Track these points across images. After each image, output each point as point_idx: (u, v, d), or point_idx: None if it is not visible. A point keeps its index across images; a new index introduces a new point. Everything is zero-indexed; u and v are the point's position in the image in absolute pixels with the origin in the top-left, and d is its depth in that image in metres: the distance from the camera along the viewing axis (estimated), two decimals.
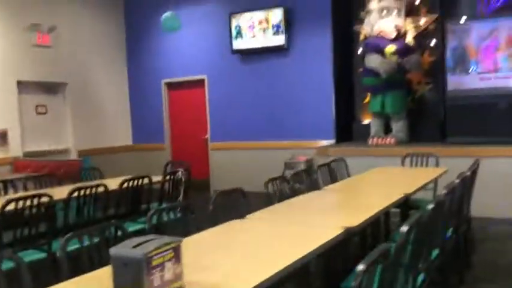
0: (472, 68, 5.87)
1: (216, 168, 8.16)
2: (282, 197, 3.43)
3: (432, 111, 6.61)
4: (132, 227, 3.94)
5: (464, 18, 6.05)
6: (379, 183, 4.06)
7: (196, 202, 3.11)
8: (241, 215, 2.70)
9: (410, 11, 6.64)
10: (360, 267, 1.37)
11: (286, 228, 2.47)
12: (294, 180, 3.86)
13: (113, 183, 4.21)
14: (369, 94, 6.79)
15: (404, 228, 1.79)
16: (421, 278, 2.36)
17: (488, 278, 3.58)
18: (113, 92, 8.73)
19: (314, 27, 7.16)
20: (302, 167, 6.79)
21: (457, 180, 3.15)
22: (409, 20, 6.64)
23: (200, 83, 8.29)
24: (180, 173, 4.55)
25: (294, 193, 3.54)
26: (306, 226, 2.47)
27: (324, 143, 7.00)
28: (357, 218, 2.46)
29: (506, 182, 5.12)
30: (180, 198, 4.50)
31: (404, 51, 6.31)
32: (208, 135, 8.30)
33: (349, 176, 4.65)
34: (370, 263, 1.42)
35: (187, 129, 8.58)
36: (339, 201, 3.34)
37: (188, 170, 4.89)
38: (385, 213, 3.86)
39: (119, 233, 2.30)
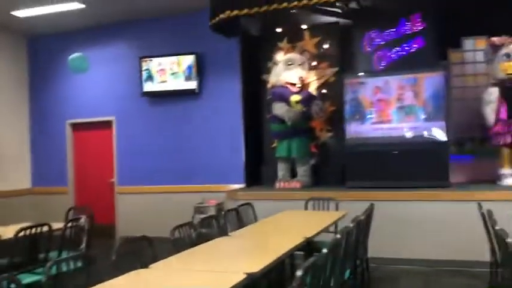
0: (366, 118, 6.40)
1: (123, 213, 7.91)
2: (188, 243, 3.43)
3: (333, 157, 7.05)
4: (28, 279, 3.70)
5: (360, 73, 6.64)
6: (283, 228, 4.22)
7: (99, 250, 3.02)
8: (145, 264, 2.67)
9: (314, 64, 7.15)
10: None
11: (189, 276, 2.49)
12: (202, 226, 3.90)
13: (8, 231, 3.94)
14: (276, 139, 7.08)
15: (298, 273, 1.91)
16: None
17: None
18: (10, 132, 8.21)
19: (225, 73, 7.44)
20: (212, 211, 6.85)
21: (352, 224, 3.39)
22: (312, 72, 7.13)
23: (107, 124, 8.12)
24: (83, 219, 4.37)
25: (201, 239, 3.57)
26: (209, 273, 2.51)
27: (234, 186, 7.13)
28: (259, 263, 2.55)
29: (400, 224, 5.54)
30: (83, 246, 4.31)
31: (308, 100, 6.73)
32: (114, 179, 8.06)
33: (256, 220, 4.77)
34: None
35: (92, 172, 8.28)
36: (244, 246, 3.42)
37: (92, 216, 4.71)
38: (290, 256, 4.01)
39: (12, 286, 2.17)
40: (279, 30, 7.35)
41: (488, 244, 3.91)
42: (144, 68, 7.75)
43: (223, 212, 4.52)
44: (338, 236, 2.86)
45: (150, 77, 7.73)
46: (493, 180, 6.17)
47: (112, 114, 8.08)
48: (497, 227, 3.13)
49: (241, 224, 4.46)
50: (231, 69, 7.35)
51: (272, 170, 7.14)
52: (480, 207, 4.09)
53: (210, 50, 7.53)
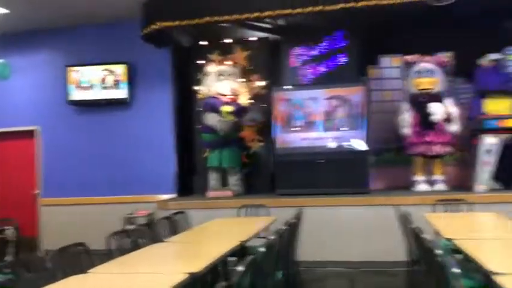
0: (294, 129, 6.71)
1: (47, 226, 7.57)
2: (123, 251, 3.44)
3: (264, 166, 7.30)
4: None
5: (288, 86, 6.96)
6: (217, 233, 4.34)
7: (28, 261, 2.95)
8: (82, 270, 2.67)
9: (245, 77, 7.37)
10: None
11: (131, 279, 2.54)
12: (136, 235, 3.91)
13: None
14: (207, 149, 7.18)
15: (240, 268, 2.05)
16: None
17: None
18: None
19: (156, 83, 7.46)
20: (143, 221, 6.77)
21: (285, 227, 3.59)
22: (243, 84, 7.35)
23: (30, 134, 7.77)
24: (9, 230, 4.20)
25: (136, 247, 3.59)
26: (151, 275, 2.57)
27: (165, 196, 7.12)
28: (199, 264, 2.66)
29: (326, 228, 5.86)
30: (10, 258, 4.13)
31: (239, 111, 6.93)
32: (38, 190, 7.71)
33: (189, 227, 4.84)
34: None
35: (13, 183, 7.85)
36: (182, 250, 3.49)
37: (17, 227, 4.53)
38: (223, 262, 4.13)
39: None
40: (210, 42, 7.50)
41: (405, 244, 4.29)
42: (71, 76, 7.54)
43: (156, 221, 4.54)
44: (272, 237, 3.03)
45: (77, 85, 7.54)
46: (407, 186, 6.71)
47: (35, 124, 7.75)
48: (417, 229, 3.43)
49: (174, 232, 4.51)
50: (163, 80, 7.38)
51: (203, 179, 7.21)
52: (398, 210, 4.48)
53: (141, 60, 7.50)
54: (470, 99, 6.89)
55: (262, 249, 2.58)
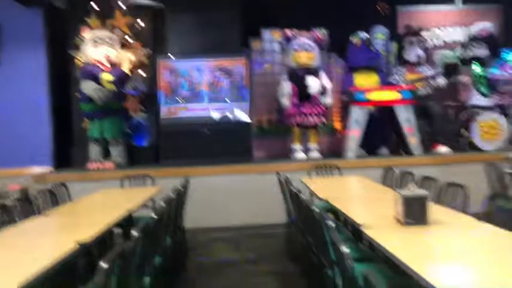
0: (179, 99, 6.70)
1: None
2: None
3: (148, 138, 7.18)
4: None
5: (172, 56, 6.88)
6: (102, 204, 4.23)
7: None
8: None
9: (126, 44, 7.10)
10: (102, 264, 1.58)
11: (20, 250, 2.41)
12: (11, 210, 3.66)
13: None
14: (87, 119, 6.85)
15: (134, 233, 2.08)
16: (147, 280, 2.69)
17: (197, 277, 4.21)
18: None
19: (28, 47, 6.83)
20: (15, 196, 6.28)
21: (173, 195, 3.66)
22: (124, 51, 7.07)
23: None
24: None
25: (13, 222, 3.37)
26: (40, 247, 2.47)
27: (41, 169, 6.66)
28: (87, 234, 2.61)
29: (211, 196, 6.03)
30: None
31: (120, 80, 6.68)
32: None
33: (71, 201, 4.64)
34: (110, 260, 1.64)
35: None
36: (66, 222, 3.37)
37: None
38: (109, 233, 4.06)
39: None
40: (87, 5, 7.04)
41: (285, 207, 4.64)
42: None
43: (33, 195, 4.26)
44: (162, 203, 3.08)
45: None
46: (287, 155, 7.15)
47: None
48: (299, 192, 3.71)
49: (55, 205, 4.30)
50: (35, 43, 6.80)
51: (83, 151, 6.87)
52: (279, 175, 4.80)
53: (9, 19, 6.78)
54: (342, 73, 7.52)
55: (154, 216, 2.63)
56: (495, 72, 6.71)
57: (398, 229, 2.54)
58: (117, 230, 3.89)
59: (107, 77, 6.51)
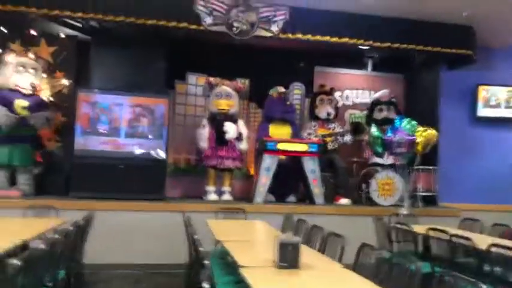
0: (96, 132, 6.72)
1: None
2: None
3: (60, 167, 7.08)
4: None
5: (94, 89, 6.94)
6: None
7: None
8: None
9: (48, 72, 7.09)
10: None
11: None
12: None
13: None
14: None
15: (14, 261, 2.17)
16: None
17: None
18: None
19: None
20: None
21: (71, 228, 3.71)
22: (45, 79, 7.05)
23: None
24: None
25: None
26: None
27: None
28: None
29: (117, 232, 6.02)
30: None
31: (36, 107, 6.62)
32: None
33: None
34: None
35: None
36: None
37: None
38: (2, 264, 3.97)
39: None
40: (12, 30, 7.00)
41: (188, 247, 4.78)
42: None
43: None
44: (56, 236, 3.15)
45: None
46: (200, 195, 7.34)
47: None
48: (195, 234, 3.89)
49: None
50: None
51: None
52: (183, 215, 4.97)
53: None
54: (259, 122, 7.96)
55: (42, 246, 2.70)
56: (390, 134, 7.42)
57: (272, 271, 2.82)
58: (13, 260, 3.84)
59: (21, 103, 6.46)
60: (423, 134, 7.10)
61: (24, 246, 3.63)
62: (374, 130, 7.58)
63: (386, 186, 7.23)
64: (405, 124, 7.35)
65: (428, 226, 4.79)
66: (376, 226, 5.41)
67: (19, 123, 6.43)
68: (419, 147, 7.05)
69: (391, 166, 7.47)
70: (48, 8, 6.08)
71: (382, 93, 8.22)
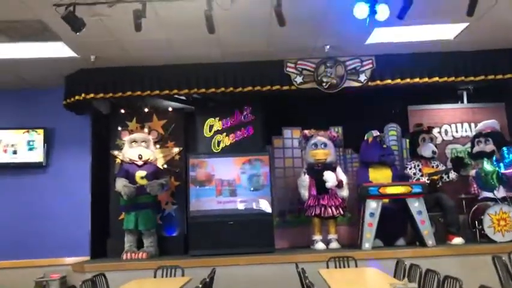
0: (207, 193, 7.32)
1: None
2: None
3: (177, 228, 7.77)
4: None
5: (202, 153, 7.63)
6: None
7: None
8: None
9: (161, 143, 7.96)
10: None
11: None
12: None
13: None
14: (123, 212, 7.50)
15: None
16: None
17: None
18: None
19: (75, 148, 7.72)
20: (55, 285, 6.82)
21: (200, 286, 4.13)
22: (158, 150, 7.91)
23: None
24: None
25: None
26: None
27: (78, 259, 7.24)
28: None
29: (237, 285, 6.38)
30: None
31: (154, 175, 7.42)
32: None
33: None
34: None
35: None
36: None
37: None
38: None
39: None
40: (128, 110, 8.02)
41: None
42: None
43: (70, 284, 4.74)
44: None
45: None
46: (307, 245, 7.55)
47: None
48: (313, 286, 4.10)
49: None
50: (82, 144, 7.70)
51: (117, 242, 7.40)
52: (297, 266, 5.22)
53: (61, 125, 7.76)
54: (357, 168, 8.09)
55: None
56: (502, 167, 7.14)
57: None
58: None
59: (140, 173, 7.29)
60: None
61: None
62: (486, 165, 7.33)
63: (502, 221, 6.88)
64: None
65: None
66: (496, 265, 5.19)
67: (139, 192, 7.20)
68: None
69: (504, 199, 7.12)
70: (160, 90, 6.95)
71: (483, 124, 8.00)
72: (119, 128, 7.87)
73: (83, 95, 6.86)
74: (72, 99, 6.97)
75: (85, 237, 7.47)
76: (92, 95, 6.88)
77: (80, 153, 7.70)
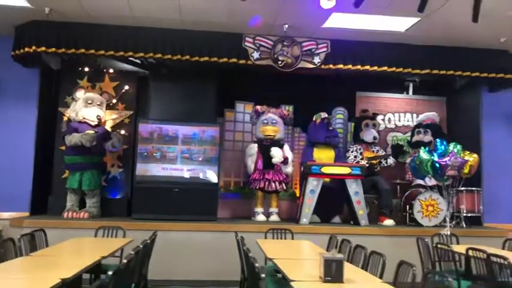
0: (154, 158, 7.37)
1: None
2: None
3: (122, 192, 7.79)
4: None
5: (152, 119, 7.63)
6: (79, 250, 4.78)
7: None
8: None
9: (111, 105, 7.86)
10: None
11: (5, 284, 2.97)
12: None
13: None
14: (67, 171, 7.41)
15: (109, 273, 2.70)
16: None
17: None
18: None
19: (20, 100, 7.49)
20: None
21: (141, 246, 4.26)
22: (108, 112, 7.82)
23: None
24: None
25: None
26: (27, 280, 3.02)
27: (17, 214, 7.13)
28: (68, 273, 3.19)
29: (177, 250, 6.57)
30: None
31: (102, 137, 7.35)
32: None
33: (47, 245, 5.14)
34: None
35: None
36: (47, 263, 3.86)
37: None
38: (78, 277, 4.55)
39: None
40: (80, 68, 7.83)
41: (240, 265, 5.24)
42: None
43: (19, 236, 4.72)
44: (132, 252, 3.69)
45: None
46: (249, 216, 7.82)
47: None
48: (250, 252, 4.31)
49: (34, 248, 4.79)
50: (28, 98, 7.48)
51: (59, 200, 7.36)
52: (236, 235, 5.44)
53: (7, 76, 7.46)
54: (304, 147, 8.39)
55: (124, 261, 3.24)
56: (436, 156, 7.61)
57: (319, 285, 3.22)
58: (85, 276, 4.43)
59: (90, 133, 7.19)
60: (471, 158, 7.20)
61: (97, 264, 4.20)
62: (422, 153, 7.78)
63: (430, 207, 7.42)
64: (454, 147, 7.52)
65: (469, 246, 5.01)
66: (419, 246, 5.66)
67: (84, 152, 7.11)
68: (466, 170, 7.14)
69: (435, 187, 7.66)
70: (115, 50, 6.83)
71: (424, 116, 8.48)
72: (68, 86, 7.69)
73: (33, 47, 6.64)
74: (22, 50, 6.73)
75: (26, 192, 7.34)
76: (43, 48, 6.67)
77: (26, 107, 7.48)
